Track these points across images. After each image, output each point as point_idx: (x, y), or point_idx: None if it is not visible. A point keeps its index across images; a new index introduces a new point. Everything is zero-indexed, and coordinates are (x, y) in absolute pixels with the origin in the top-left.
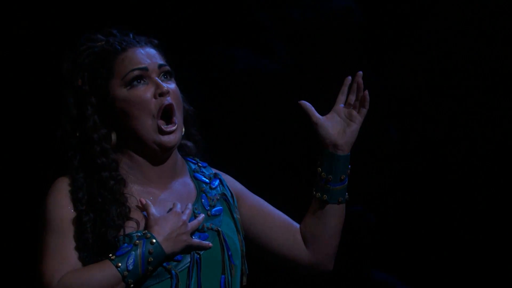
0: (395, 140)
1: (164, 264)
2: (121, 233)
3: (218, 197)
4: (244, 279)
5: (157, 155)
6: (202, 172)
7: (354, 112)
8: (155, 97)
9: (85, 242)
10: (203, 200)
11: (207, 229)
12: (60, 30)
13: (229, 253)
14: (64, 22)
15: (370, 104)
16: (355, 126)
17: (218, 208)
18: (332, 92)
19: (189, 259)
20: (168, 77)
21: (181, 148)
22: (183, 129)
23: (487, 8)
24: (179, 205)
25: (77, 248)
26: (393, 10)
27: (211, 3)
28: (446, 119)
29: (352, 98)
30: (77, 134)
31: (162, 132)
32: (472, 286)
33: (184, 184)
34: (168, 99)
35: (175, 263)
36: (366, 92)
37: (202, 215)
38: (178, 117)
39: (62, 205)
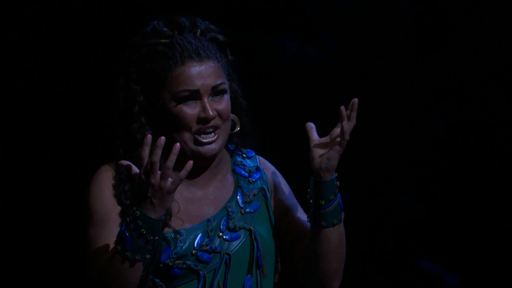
0: (442, 128)
1: (192, 266)
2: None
3: (256, 192)
4: (276, 277)
5: (197, 162)
6: (243, 165)
7: (340, 141)
8: (199, 116)
9: None
10: (238, 196)
11: (239, 228)
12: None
13: (258, 254)
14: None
15: (418, 92)
16: (333, 154)
17: (254, 204)
18: (378, 81)
19: (219, 260)
20: (220, 95)
21: (229, 139)
22: (227, 136)
23: None
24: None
25: None
26: None
27: None
28: (494, 107)
29: (341, 126)
30: (123, 127)
31: (199, 143)
32: None
33: (223, 181)
34: (211, 124)
35: (204, 264)
36: (345, 123)
37: (190, 162)
38: (222, 130)
39: (105, 196)
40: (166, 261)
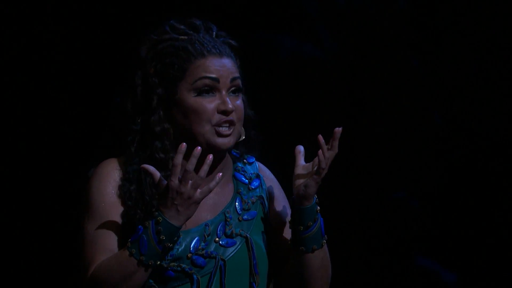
0: (439, 126)
1: (187, 269)
2: None
3: (255, 200)
4: (271, 286)
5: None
6: (244, 171)
7: (317, 169)
8: (217, 110)
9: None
10: (236, 203)
11: (236, 235)
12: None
13: (254, 262)
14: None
15: (415, 90)
16: (310, 182)
17: (251, 212)
18: (376, 79)
19: (213, 265)
20: (236, 92)
21: (235, 146)
22: (240, 136)
23: None
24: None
25: (117, 239)
26: None
27: None
28: (492, 105)
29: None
30: (138, 120)
31: (218, 134)
32: None
33: (223, 187)
34: (230, 117)
35: (198, 268)
36: (320, 152)
37: (219, 174)
38: (236, 128)
39: (106, 193)
40: (161, 263)
